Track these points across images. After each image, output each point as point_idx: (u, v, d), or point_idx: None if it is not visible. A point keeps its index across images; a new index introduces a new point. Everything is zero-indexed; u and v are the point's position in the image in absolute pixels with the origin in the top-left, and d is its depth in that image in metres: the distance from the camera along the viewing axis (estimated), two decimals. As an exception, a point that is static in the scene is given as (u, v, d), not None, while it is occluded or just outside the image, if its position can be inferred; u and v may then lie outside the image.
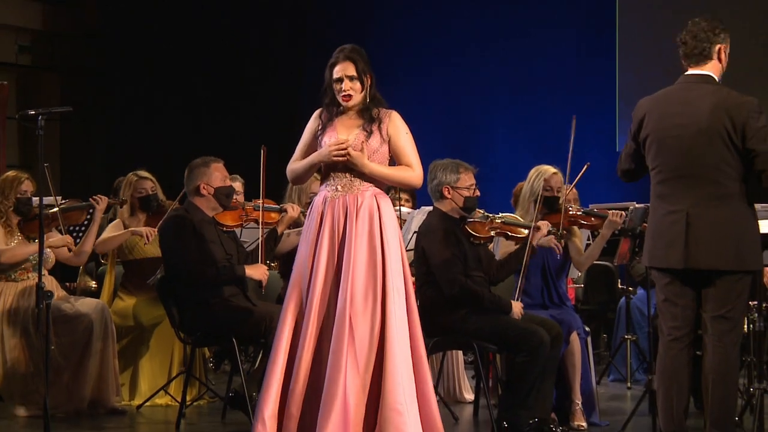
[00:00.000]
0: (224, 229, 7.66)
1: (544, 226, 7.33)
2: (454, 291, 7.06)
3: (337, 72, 6.32)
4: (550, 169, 7.68)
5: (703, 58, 5.97)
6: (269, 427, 6.16)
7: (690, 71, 6.00)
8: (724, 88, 5.93)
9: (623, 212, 7.80)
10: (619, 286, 9.79)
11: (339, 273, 6.22)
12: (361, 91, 6.34)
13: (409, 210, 9.00)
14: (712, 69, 5.97)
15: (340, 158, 6.15)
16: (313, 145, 6.42)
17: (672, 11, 11.79)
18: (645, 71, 11.81)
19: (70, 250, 8.17)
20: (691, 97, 5.90)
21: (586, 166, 7.70)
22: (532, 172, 7.71)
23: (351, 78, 6.31)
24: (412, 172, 6.33)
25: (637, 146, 6.04)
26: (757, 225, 5.99)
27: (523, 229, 7.33)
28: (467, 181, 7.24)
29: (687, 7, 11.42)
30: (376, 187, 6.33)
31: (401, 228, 8.37)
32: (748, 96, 5.88)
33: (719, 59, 5.98)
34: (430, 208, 7.48)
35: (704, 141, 5.80)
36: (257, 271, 7.52)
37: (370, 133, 6.28)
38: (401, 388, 6.17)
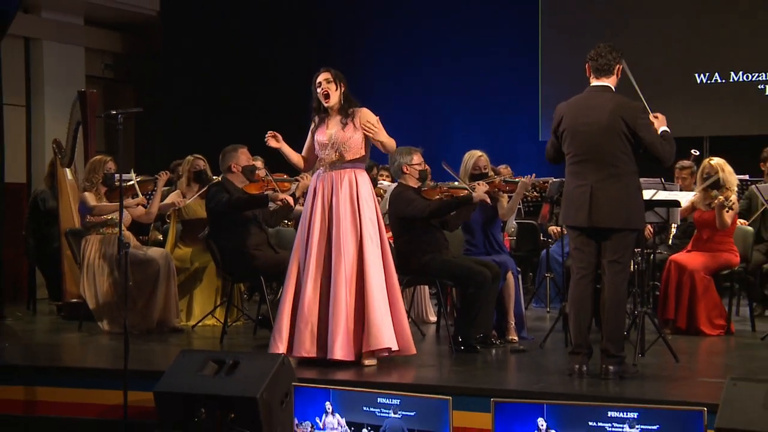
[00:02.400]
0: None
1: (480, 186, 7.31)
2: (426, 212, 7.03)
3: (318, 79, 6.51)
4: (477, 153, 7.66)
5: (608, 73, 6.02)
6: (284, 339, 6.37)
7: (594, 83, 6.04)
8: (618, 95, 5.99)
9: (531, 176, 7.74)
10: (541, 239, 9.81)
11: (330, 229, 6.42)
12: (336, 91, 6.46)
13: (389, 183, 9.01)
14: (611, 82, 6.02)
15: (372, 133, 6.36)
16: (312, 144, 6.62)
17: (579, 37, 11.77)
18: (559, 82, 11.80)
19: (144, 206, 8.22)
20: (595, 103, 5.94)
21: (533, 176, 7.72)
22: (466, 156, 7.69)
23: (327, 81, 6.49)
24: (391, 140, 6.52)
25: (556, 138, 6.07)
26: (641, 195, 6.07)
27: (463, 190, 7.30)
28: (418, 159, 7.26)
29: (590, 34, 11.45)
30: (354, 166, 6.49)
31: (383, 197, 8.44)
32: (636, 101, 5.96)
33: (616, 75, 6.04)
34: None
35: (605, 135, 5.85)
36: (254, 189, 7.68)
37: (345, 125, 6.45)
38: (379, 310, 6.28)
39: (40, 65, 12.79)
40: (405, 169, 7.23)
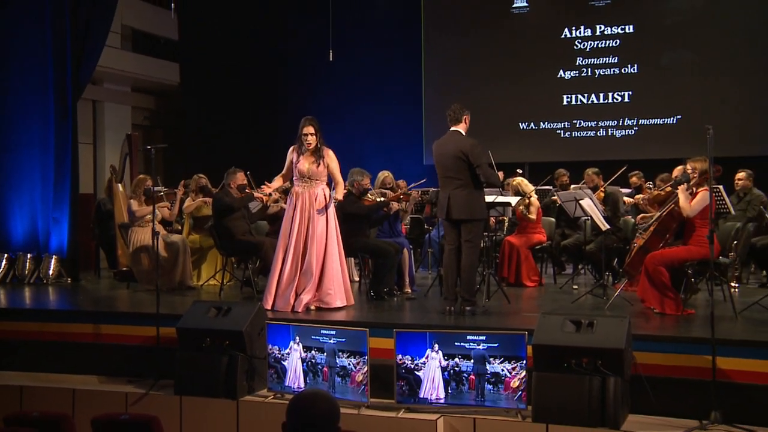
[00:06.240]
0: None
1: (394, 205, 7.31)
2: (363, 212, 6.97)
3: (305, 130, 6.29)
4: (386, 173, 7.70)
5: (458, 122, 6.02)
6: (271, 297, 6.21)
7: (452, 128, 6.04)
8: (463, 135, 5.99)
9: (419, 191, 7.81)
10: (426, 227, 9.79)
11: (308, 226, 6.24)
12: (316, 140, 6.28)
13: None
14: (460, 127, 6.02)
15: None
16: (290, 168, 6.39)
17: (449, 95, 11.79)
18: (436, 124, 11.82)
19: (169, 209, 8.12)
20: (451, 141, 5.95)
21: (423, 180, 7.71)
22: (379, 174, 7.70)
23: (311, 134, 6.29)
24: (341, 179, 6.41)
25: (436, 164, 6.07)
26: (482, 196, 6.05)
27: (383, 203, 7.27)
28: (365, 180, 7.18)
29: (456, 92, 11.49)
30: (322, 183, 6.32)
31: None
32: (473, 139, 5.96)
33: (465, 123, 6.04)
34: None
35: (454, 161, 5.87)
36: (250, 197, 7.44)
37: (318, 164, 6.28)
38: (336, 279, 6.26)
39: (102, 117, 12.90)
40: (355, 185, 7.13)
